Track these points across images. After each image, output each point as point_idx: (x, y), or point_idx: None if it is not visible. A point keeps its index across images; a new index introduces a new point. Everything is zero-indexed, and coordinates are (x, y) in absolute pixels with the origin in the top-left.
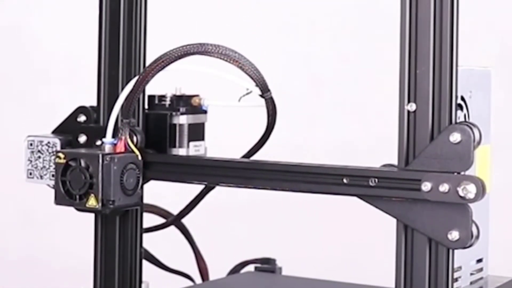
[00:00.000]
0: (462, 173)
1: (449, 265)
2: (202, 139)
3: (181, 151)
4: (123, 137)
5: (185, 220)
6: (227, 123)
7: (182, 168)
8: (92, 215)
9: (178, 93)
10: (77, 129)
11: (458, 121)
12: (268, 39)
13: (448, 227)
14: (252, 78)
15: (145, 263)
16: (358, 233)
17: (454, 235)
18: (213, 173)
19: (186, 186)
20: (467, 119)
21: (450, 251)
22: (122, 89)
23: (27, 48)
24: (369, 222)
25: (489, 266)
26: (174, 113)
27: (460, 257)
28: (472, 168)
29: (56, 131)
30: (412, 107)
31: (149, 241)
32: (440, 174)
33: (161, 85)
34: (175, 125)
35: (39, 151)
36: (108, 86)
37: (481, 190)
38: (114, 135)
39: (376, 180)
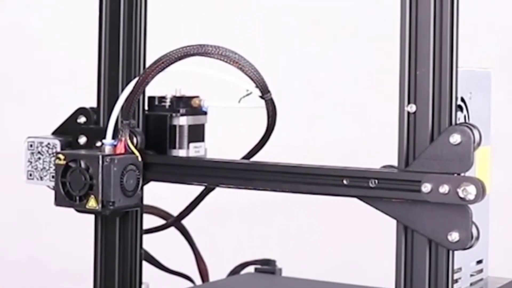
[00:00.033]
0: (462, 174)
1: (449, 266)
2: (202, 140)
3: (181, 152)
4: (123, 138)
5: (185, 221)
6: (227, 124)
7: (182, 169)
8: (92, 216)
9: (178, 94)
10: (77, 130)
11: (458, 122)
12: (268, 39)
13: (448, 228)
14: (252, 79)
15: (145, 264)
16: (358, 234)
17: (454, 236)
18: (213, 174)
19: (186, 187)
20: (467, 120)
21: (450, 252)
22: (122, 90)
23: (27, 48)
24: (369, 223)
25: (489, 267)
26: (174, 114)
27: (460, 258)
28: (472, 169)
29: (56, 132)
30: (412, 108)
31: (149, 242)
32: (440, 175)
33: (161, 86)
34: (175, 126)
35: (39, 152)
36: (108, 87)
37: (481, 191)
38: (114, 136)
39: (376, 181)
